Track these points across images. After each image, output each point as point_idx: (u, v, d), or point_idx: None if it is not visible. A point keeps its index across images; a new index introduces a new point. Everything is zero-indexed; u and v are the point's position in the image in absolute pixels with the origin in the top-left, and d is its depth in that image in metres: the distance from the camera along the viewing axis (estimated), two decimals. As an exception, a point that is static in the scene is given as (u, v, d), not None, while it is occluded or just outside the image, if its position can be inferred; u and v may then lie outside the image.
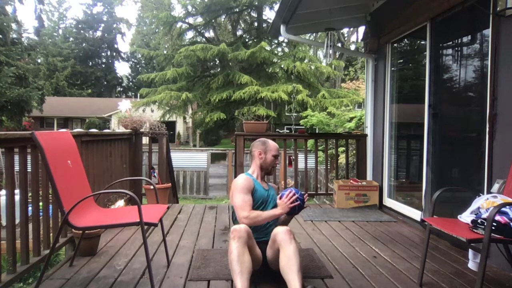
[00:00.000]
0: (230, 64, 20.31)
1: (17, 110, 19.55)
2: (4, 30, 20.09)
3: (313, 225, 3.79)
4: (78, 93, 36.61)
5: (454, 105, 3.61)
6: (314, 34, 20.71)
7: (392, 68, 4.61)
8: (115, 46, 43.59)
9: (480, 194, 2.36)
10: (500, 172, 2.62)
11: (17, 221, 2.22)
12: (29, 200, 2.35)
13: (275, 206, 2.38)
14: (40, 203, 2.53)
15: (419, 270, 2.34)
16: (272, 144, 2.54)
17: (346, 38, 24.61)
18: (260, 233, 2.37)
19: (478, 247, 2.42)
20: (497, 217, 1.91)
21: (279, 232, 2.14)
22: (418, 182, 3.97)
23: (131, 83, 44.55)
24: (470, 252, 2.62)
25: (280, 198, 2.33)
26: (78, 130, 3.69)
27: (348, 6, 4.66)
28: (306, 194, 2.44)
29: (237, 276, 1.98)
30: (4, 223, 2.17)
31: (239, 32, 23.83)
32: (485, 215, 2.06)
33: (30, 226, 2.38)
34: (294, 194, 2.31)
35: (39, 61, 31.33)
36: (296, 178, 5.25)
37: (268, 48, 20.13)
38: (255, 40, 21.02)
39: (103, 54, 43.50)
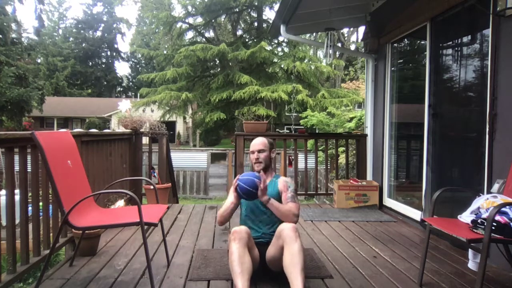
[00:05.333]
0: (230, 64, 20.31)
1: (17, 110, 19.57)
2: (4, 30, 20.10)
3: (313, 225, 3.79)
4: (78, 93, 36.61)
5: (454, 105, 3.61)
6: (314, 34, 20.68)
7: (392, 68, 4.61)
8: (115, 46, 43.62)
9: (480, 194, 2.36)
10: (500, 172, 2.62)
11: (17, 221, 2.22)
12: (29, 200, 2.35)
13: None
14: (40, 203, 2.52)
15: (419, 270, 2.34)
16: (253, 141, 2.56)
17: (346, 38, 24.61)
18: (258, 235, 2.36)
19: (478, 247, 2.42)
20: (497, 217, 1.92)
21: (285, 229, 2.11)
22: (418, 182, 3.97)
23: (131, 83, 44.56)
24: (470, 252, 2.62)
25: None
26: (78, 130, 3.69)
27: (348, 6, 4.66)
28: (262, 175, 2.34)
29: (237, 277, 1.98)
30: (4, 223, 2.17)
31: (239, 32, 23.82)
32: (485, 215, 2.06)
33: (30, 226, 2.38)
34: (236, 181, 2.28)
35: (39, 61, 31.31)
36: (296, 178, 5.25)
37: (268, 48, 20.12)
38: (255, 40, 21.02)
39: (103, 54, 43.52)
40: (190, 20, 22.37)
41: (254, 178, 2.23)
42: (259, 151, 2.48)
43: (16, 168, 2.26)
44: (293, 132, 7.50)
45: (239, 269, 2.00)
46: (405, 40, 4.56)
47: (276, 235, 2.18)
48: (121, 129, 5.05)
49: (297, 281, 1.94)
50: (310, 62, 20.56)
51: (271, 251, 2.23)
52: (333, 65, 20.05)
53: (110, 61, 43.90)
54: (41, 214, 2.54)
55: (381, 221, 4.00)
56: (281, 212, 2.29)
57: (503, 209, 1.97)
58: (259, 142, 2.52)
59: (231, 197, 2.41)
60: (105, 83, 42.82)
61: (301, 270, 1.97)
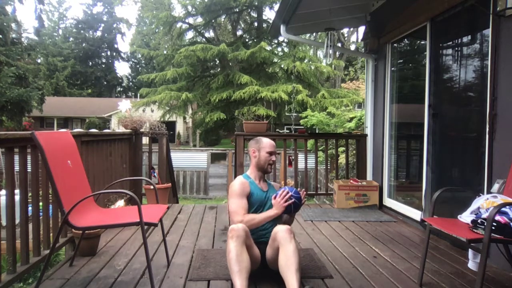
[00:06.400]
0: (230, 64, 20.31)
1: (17, 110, 19.55)
2: (4, 30, 20.09)
3: (313, 225, 3.79)
4: (78, 93, 36.60)
5: (454, 105, 3.61)
6: (314, 34, 20.70)
7: (392, 68, 4.61)
8: (115, 46, 43.61)
9: (480, 194, 2.36)
10: (500, 172, 2.62)
11: (17, 221, 2.22)
12: (29, 200, 2.35)
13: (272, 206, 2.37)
14: (40, 203, 2.52)
15: (419, 270, 2.34)
16: (265, 140, 2.49)
17: (346, 38, 24.61)
18: (260, 234, 2.36)
19: (478, 247, 2.42)
20: (497, 217, 1.91)
21: (280, 231, 2.13)
22: (418, 182, 3.97)
23: (131, 83, 44.55)
24: (470, 252, 2.62)
25: (275, 198, 2.31)
26: (78, 130, 3.69)
27: (348, 6, 4.66)
28: (303, 191, 2.37)
29: (235, 275, 1.98)
30: (4, 223, 2.17)
31: (239, 32, 23.83)
32: (485, 215, 2.06)
33: (30, 226, 2.38)
34: (287, 193, 2.27)
35: (39, 61, 31.31)
36: (296, 178, 5.25)
37: (268, 48, 20.12)
38: (255, 40, 21.02)
39: (103, 54, 43.51)
40: (190, 20, 22.37)
41: (298, 193, 2.32)
42: (275, 155, 2.51)
43: (16, 168, 2.26)
44: (293, 132, 7.50)
45: (237, 267, 1.99)
46: (405, 40, 4.56)
47: (272, 237, 2.19)
48: (121, 129, 5.05)
49: (292, 281, 1.94)
50: (310, 62, 20.56)
51: (268, 252, 2.25)
52: (333, 65, 20.06)
53: (110, 61, 43.89)
54: (41, 214, 2.54)
55: (381, 221, 4.00)
56: (293, 218, 2.52)
57: (503, 209, 1.97)
58: (274, 144, 2.52)
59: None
60: (105, 83, 42.81)
61: (296, 270, 1.98)
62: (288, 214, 2.41)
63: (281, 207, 2.26)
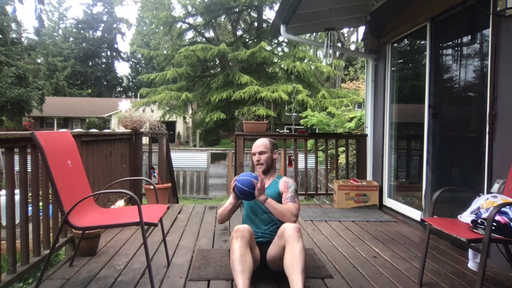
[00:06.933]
0: (230, 64, 20.32)
1: (17, 110, 19.54)
2: (4, 30, 20.09)
3: (313, 225, 3.79)
4: (78, 93, 36.62)
5: (454, 105, 3.61)
6: (314, 34, 20.71)
7: (392, 68, 4.61)
8: (115, 46, 43.62)
9: (480, 194, 2.36)
10: (500, 172, 2.62)
11: (17, 221, 2.22)
12: (29, 200, 2.35)
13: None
14: (40, 203, 2.52)
15: (419, 270, 2.34)
16: (255, 142, 2.55)
17: (346, 38, 24.61)
18: (256, 235, 2.35)
19: (478, 247, 2.42)
20: (497, 217, 1.91)
21: (288, 229, 2.10)
22: (418, 182, 3.97)
23: (131, 83, 44.56)
24: (470, 252, 2.62)
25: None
26: (78, 130, 3.69)
27: (348, 6, 4.66)
28: (259, 174, 2.35)
29: (238, 275, 1.98)
30: (4, 223, 2.17)
31: (239, 32, 23.84)
32: (485, 215, 2.06)
33: (30, 226, 2.38)
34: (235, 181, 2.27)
35: (39, 61, 31.31)
36: (296, 178, 5.25)
37: (268, 48, 20.13)
38: (255, 40, 21.03)
39: (103, 54, 43.52)
40: (190, 20, 22.37)
41: (251, 177, 2.22)
42: (260, 153, 2.47)
43: (16, 168, 2.26)
44: (293, 132, 7.50)
45: (240, 267, 1.99)
46: (405, 40, 4.56)
47: (278, 235, 2.17)
48: (121, 129, 5.05)
49: (297, 281, 1.93)
50: (310, 62, 20.56)
51: (272, 250, 2.23)
52: (333, 65, 20.06)
53: (110, 61, 43.90)
54: (41, 214, 2.54)
55: (381, 221, 4.00)
56: (279, 211, 2.23)
57: (503, 209, 1.97)
58: (260, 144, 2.50)
59: (231, 197, 2.42)
60: (105, 83, 42.82)
61: (301, 271, 1.96)
62: (243, 199, 2.33)
63: (232, 193, 2.31)
